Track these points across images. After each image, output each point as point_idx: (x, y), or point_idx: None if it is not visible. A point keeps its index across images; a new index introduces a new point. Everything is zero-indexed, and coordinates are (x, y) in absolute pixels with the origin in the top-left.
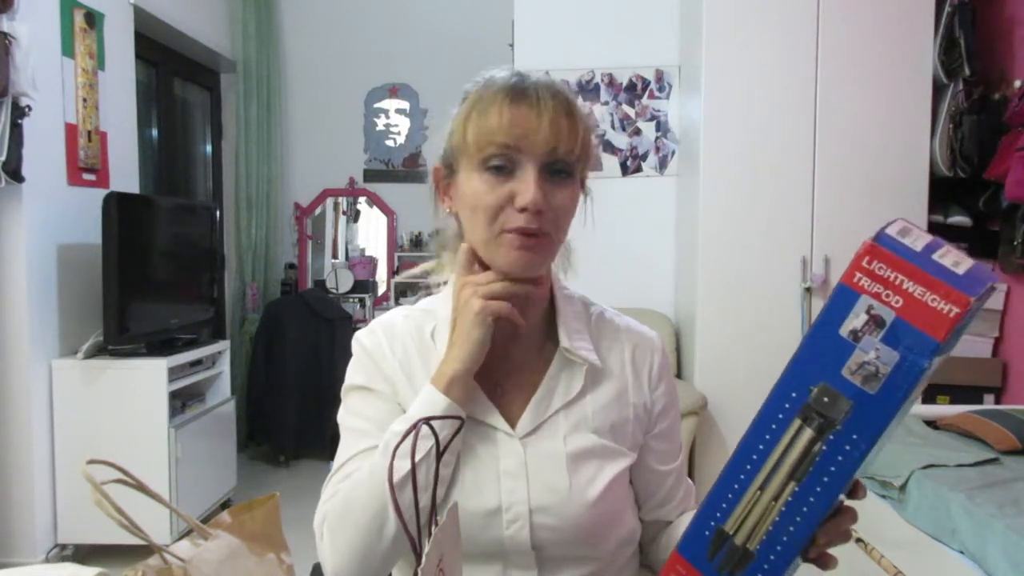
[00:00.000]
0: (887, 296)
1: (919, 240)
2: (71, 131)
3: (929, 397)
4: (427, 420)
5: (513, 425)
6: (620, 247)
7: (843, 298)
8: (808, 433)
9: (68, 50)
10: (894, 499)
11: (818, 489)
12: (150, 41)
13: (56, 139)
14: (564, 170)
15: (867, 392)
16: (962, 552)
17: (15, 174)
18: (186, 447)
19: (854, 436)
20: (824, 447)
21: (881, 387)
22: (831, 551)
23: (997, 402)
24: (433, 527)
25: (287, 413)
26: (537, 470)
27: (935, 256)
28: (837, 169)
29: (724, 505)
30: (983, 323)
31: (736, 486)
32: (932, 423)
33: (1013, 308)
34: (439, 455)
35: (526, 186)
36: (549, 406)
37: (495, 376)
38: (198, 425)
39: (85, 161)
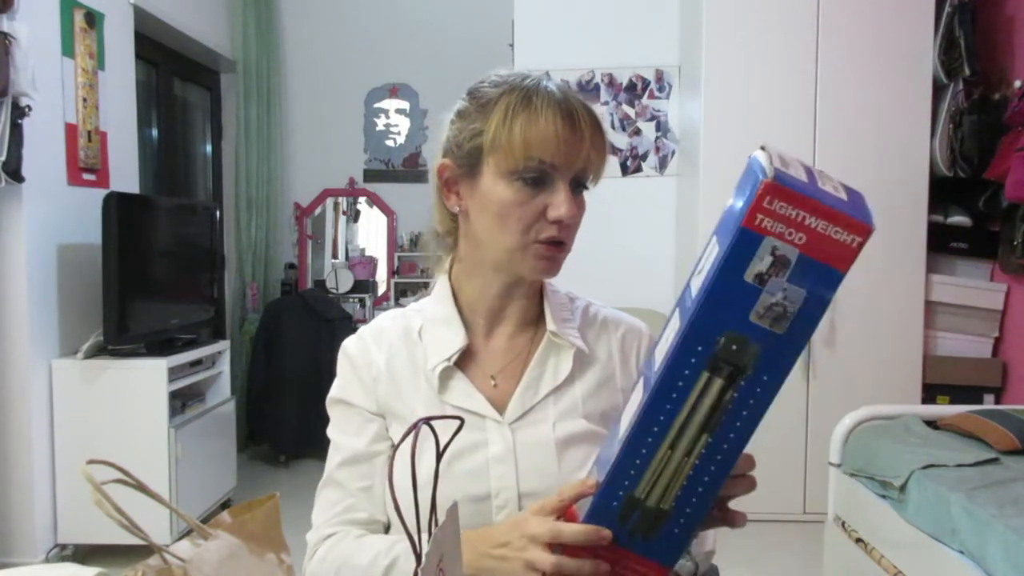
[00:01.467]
0: (790, 235)
1: (798, 169)
2: (71, 131)
3: (929, 397)
4: (427, 420)
5: (502, 411)
6: (620, 247)
7: (746, 242)
8: (718, 383)
9: (68, 50)
10: (894, 499)
11: (732, 436)
12: (150, 41)
13: (56, 139)
14: (584, 184)
15: (776, 332)
16: (962, 552)
17: (15, 174)
18: (186, 447)
19: (765, 377)
20: (735, 394)
21: (789, 326)
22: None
23: (997, 402)
24: (433, 527)
25: (287, 413)
26: (526, 456)
27: (821, 186)
28: (837, 169)
29: (632, 472)
30: (983, 323)
31: (644, 451)
32: (932, 423)
33: (1013, 308)
34: (439, 456)
35: (560, 200)
36: (538, 391)
37: (485, 365)
38: (198, 425)
39: (85, 161)
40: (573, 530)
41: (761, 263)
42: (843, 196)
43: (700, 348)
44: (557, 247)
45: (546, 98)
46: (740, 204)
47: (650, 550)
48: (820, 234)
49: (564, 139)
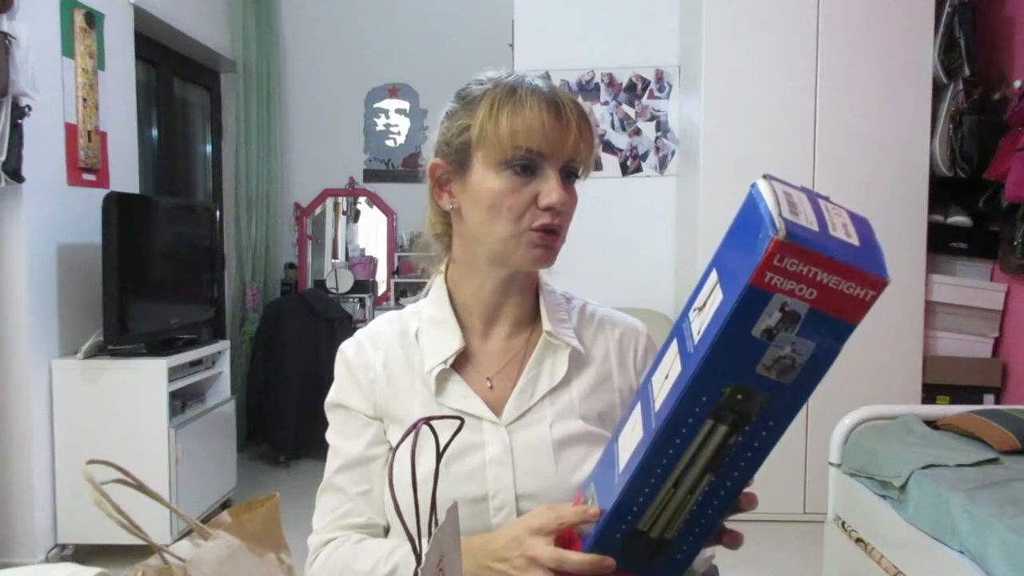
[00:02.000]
0: (800, 290)
1: (806, 209)
2: (71, 131)
3: (929, 397)
4: (427, 420)
5: (498, 413)
6: (620, 247)
7: (754, 299)
8: (723, 430)
9: (68, 50)
10: (894, 499)
11: (735, 474)
12: (150, 41)
13: (56, 139)
14: (575, 173)
15: (783, 383)
16: (962, 552)
17: (15, 174)
18: (186, 447)
19: (770, 423)
20: (740, 439)
21: (797, 376)
22: (736, 526)
23: (997, 402)
24: (433, 527)
25: (287, 413)
26: (523, 457)
27: (831, 232)
28: (837, 169)
29: (636, 508)
30: (983, 323)
31: (647, 490)
32: (932, 423)
33: (1013, 308)
34: (439, 456)
35: (550, 187)
36: (534, 393)
37: (481, 366)
38: (198, 425)
39: (85, 161)
40: (577, 560)
41: (770, 319)
42: (855, 241)
43: (704, 399)
44: (551, 235)
45: (530, 89)
46: (746, 257)
47: (652, 572)
48: (832, 289)
49: (550, 127)
